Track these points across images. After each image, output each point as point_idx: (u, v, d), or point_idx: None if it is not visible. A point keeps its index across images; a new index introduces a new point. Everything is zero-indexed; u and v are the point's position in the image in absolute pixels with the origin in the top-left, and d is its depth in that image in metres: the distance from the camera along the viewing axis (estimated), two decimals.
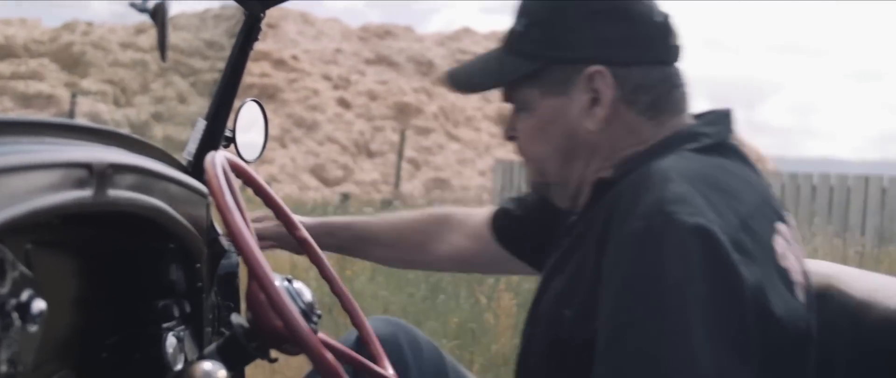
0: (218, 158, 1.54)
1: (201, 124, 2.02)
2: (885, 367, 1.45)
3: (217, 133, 2.03)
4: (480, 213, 2.12)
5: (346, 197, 15.63)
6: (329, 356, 1.41)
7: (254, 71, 21.34)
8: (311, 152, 20.64)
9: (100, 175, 1.35)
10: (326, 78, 23.52)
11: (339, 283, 1.90)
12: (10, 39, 20.68)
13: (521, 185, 16.82)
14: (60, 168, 1.26)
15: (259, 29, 2.04)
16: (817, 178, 12.06)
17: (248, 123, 2.14)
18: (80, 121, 1.47)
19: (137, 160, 1.56)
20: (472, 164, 22.31)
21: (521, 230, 2.01)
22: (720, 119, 1.54)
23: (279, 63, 22.77)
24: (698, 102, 1.62)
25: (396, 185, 18.71)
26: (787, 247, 1.43)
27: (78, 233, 1.59)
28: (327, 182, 19.84)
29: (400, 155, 19.14)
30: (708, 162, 1.43)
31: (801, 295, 1.41)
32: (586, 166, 1.53)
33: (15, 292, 1.31)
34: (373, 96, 23.55)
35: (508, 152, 22.38)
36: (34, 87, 19.09)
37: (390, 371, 1.78)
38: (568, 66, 1.49)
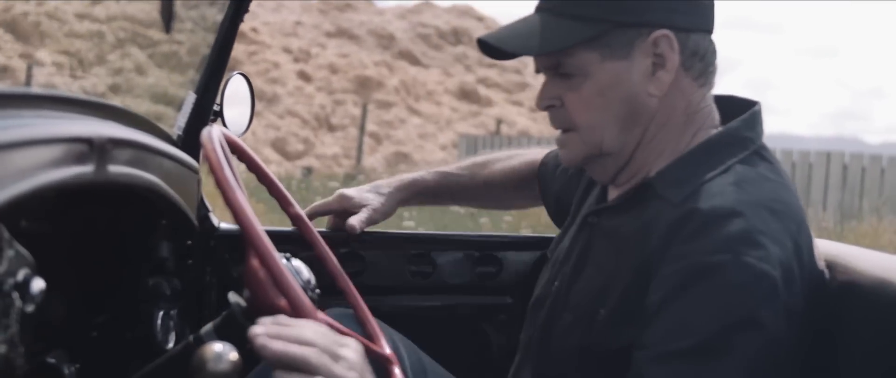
0: (215, 133, 1.49)
1: (191, 98, 1.96)
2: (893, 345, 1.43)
3: (207, 107, 1.98)
4: (534, 156, 2.13)
5: (308, 171, 15.55)
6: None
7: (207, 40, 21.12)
8: (271, 126, 20.50)
9: (100, 150, 1.30)
10: (287, 51, 23.38)
11: (334, 261, 1.86)
12: None
13: None
14: (62, 143, 1.20)
15: (247, 3, 1.98)
16: (780, 154, 12.14)
17: (234, 97, 2.09)
18: (76, 93, 1.42)
19: (134, 135, 1.51)
20: (433, 139, 22.29)
21: (556, 179, 2.00)
22: (755, 120, 1.54)
23: (239, 36, 22.39)
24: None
25: (358, 159, 18.65)
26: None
27: (70, 209, 1.55)
28: (288, 156, 19.73)
29: (361, 129, 19.08)
30: (759, 179, 1.44)
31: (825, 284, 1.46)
32: (643, 132, 1.51)
33: (12, 272, 1.26)
34: (333, 69, 23.44)
35: (469, 127, 22.40)
36: None
37: (387, 350, 1.75)
38: (631, 30, 1.47)
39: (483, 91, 24.47)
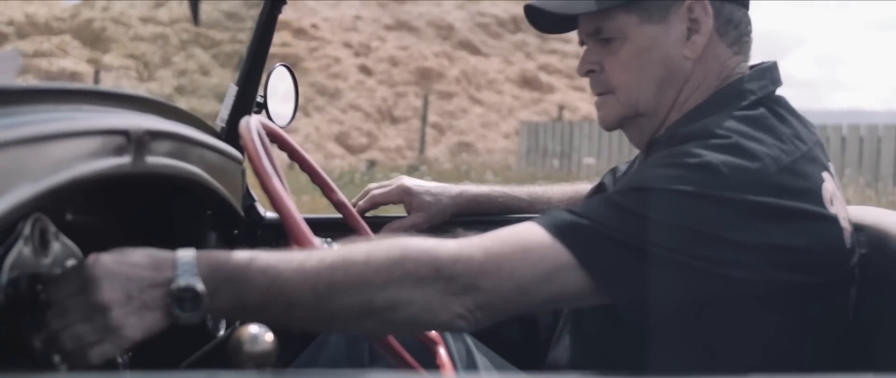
0: (253, 122, 1.53)
1: (232, 90, 2.00)
2: None
3: (248, 98, 2.02)
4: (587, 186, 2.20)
5: (371, 164, 15.64)
6: None
7: (274, 41, 21.22)
8: (334, 120, 20.63)
9: (137, 142, 1.35)
10: (347, 45, 23.48)
11: None
12: (31, 17, 20.72)
13: (547, 146, 16.78)
14: (99, 135, 1.25)
15: None
16: (847, 129, 11.95)
17: (278, 88, 2.13)
18: (115, 88, 1.47)
19: (173, 127, 1.55)
20: (496, 127, 22.26)
21: None
22: (764, 73, 1.59)
23: (299, 32, 22.73)
24: None
25: (421, 150, 18.70)
26: (835, 194, 1.48)
27: (116, 202, 1.59)
28: (352, 149, 19.84)
29: (423, 120, 19.12)
30: (743, 120, 1.48)
31: (847, 240, 1.46)
32: (677, 95, 1.58)
33: (59, 263, 1.31)
34: (394, 62, 23.50)
35: (531, 114, 22.33)
36: (57, 64, 19.13)
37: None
38: None
39: (544, 78, 24.36)
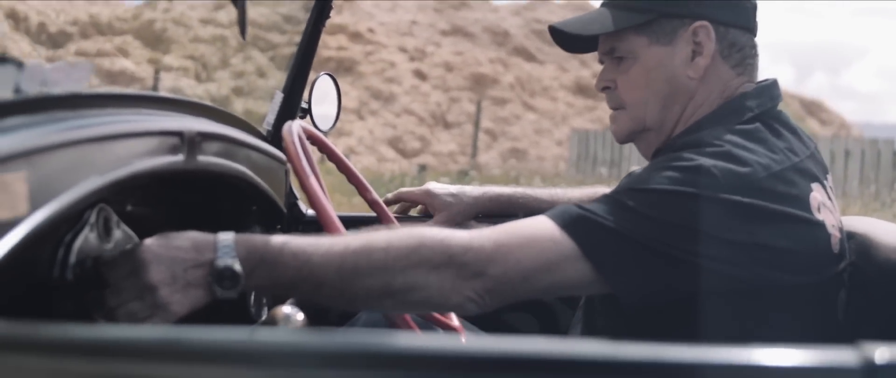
0: (294, 127, 1.70)
1: (279, 97, 2.17)
2: None
3: (294, 104, 2.19)
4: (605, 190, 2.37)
5: (423, 168, 15.80)
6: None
7: (330, 44, 21.56)
8: (388, 124, 20.82)
9: (190, 142, 1.52)
10: (402, 50, 23.66)
11: None
12: (94, 17, 21.09)
13: (597, 153, 16.83)
14: (156, 136, 1.42)
15: (331, 6, 2.18)
16: (882, 143, 11.95)
17: (322, 96, 2.29)
18: (170, 94, 1.64)
19: (222, 129, 1.72)
20: (549, 134, 22.32)
21: None
22: (763, 91, 1.74)
23: (355, 36, 22.95)
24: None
25: (473, 155, 18.82)
26: (823, 202, 1.61)
27: (170, 196, 1.76)
28: (405, 153, 20.01)
29: (476, 125, 19.25)
30: (738, 134, 1.61)
31: (835, 245, 1.60)
32: (682, 111, 1.73)
33: (120, 248, 1.48)
34: (449, 67, 23.63)
35: (585, 122, 22.37)
36: (119, 64, 19.46)
37: (456, 322, 1.94)
38: (675, 20, 1.71)
39: None
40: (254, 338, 0.90)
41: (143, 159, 1.38)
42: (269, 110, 2.17)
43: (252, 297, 2.02)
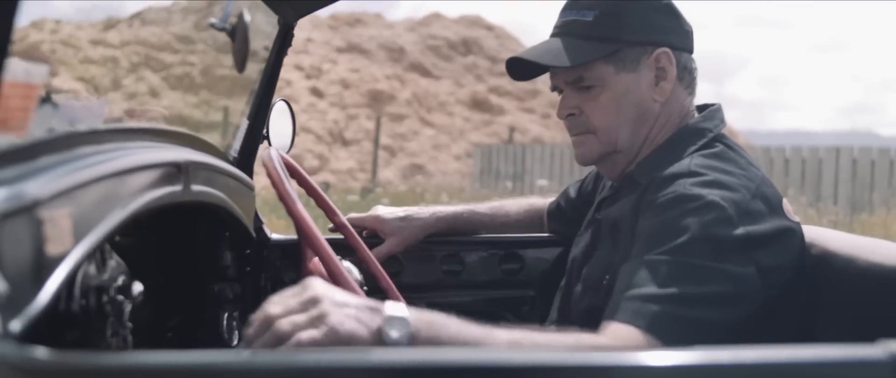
0: (274, 154, 1.75)
1: (244, 123, 2.21)
2: (860, 315, 1.68)
3: (258, 131, 2.23)
4: (540, 201, 2.49)
5: (326, 186, 15.78)
6: None
7: (225, 63, 21.36)
8: None
9: (186, 172, 1.55)
10: (298, 68, 23.59)
11: (375, 263, 2.10)
12: None
13: (500, 168, 17.01)
14: (160, 167, 1.45)
15: (292, 36, 2.22)
16: (790, 150, 12.37)
17: (278, 120, 2.33)
18: (156, 124, 1.66)
19: (205, 158, 1.75)
20: (447, 149, 22.46)
21: (565, 217, 2.34)
22: (714, 115, 1.89)
23: (250, 55, 22.74)
24: None
25: (374, 172, 18.84)
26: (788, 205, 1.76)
27: (151, 225, 1.78)
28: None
29: (376, 142, 19.28)
30: (712, 158, 1.74)
31: (804, 247, 1.74)
32: (648, 133, 1.85)
33: (114, 278, 1.50)
34: (345, 85, 23.64)
35: (482, 136, 22.57)
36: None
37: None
38: (639, 48, 1.82)
39: (495, 100, 24.63)
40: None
41: (152, 190, 1.41)
42: (234, 137, 2.20)
43: (224, 324, 2.05)
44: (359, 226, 2.32)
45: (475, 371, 0.94)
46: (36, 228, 1.02)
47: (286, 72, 22.47)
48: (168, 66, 20.09)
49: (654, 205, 1.68)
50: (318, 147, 21.12)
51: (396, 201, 10.68)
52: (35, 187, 1.03)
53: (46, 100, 1.18)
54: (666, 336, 1.50)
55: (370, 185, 16.12)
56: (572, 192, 2.33)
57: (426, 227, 2.34)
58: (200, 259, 2.03)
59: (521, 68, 1.90)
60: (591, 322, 1.61)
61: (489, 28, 28.85)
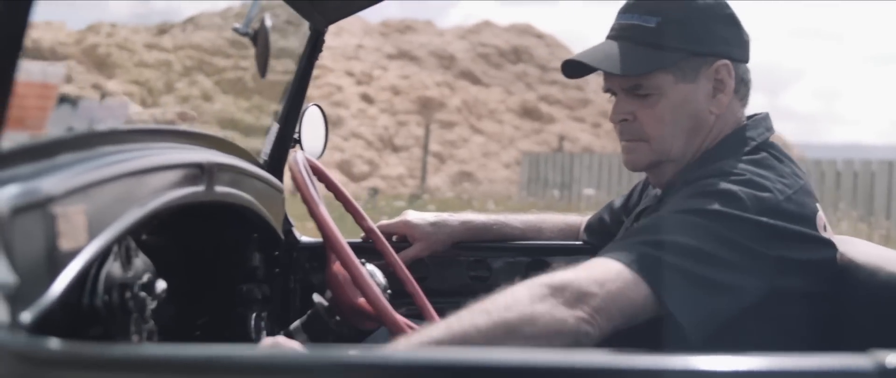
0: (300, 158, 1.77)
1: (275, 127, 2.24)
2: (884, 325, 1.69)
3: (288, 135, 2.26)
4: (577, 219, 2.49)
5: (375, 192, 15.85)
6: (408, 329, 1.64)
7: (277, 68, 21.51)
8: (336, 148, 20.83)
9: (209, 173, 1.58)
10: (349, 74, 23.72)
11: (403, 268, 2.12)
12: (37, 42, 20.91)
13: (548, 176, 16.99)
14: (182, 168, 1.49)
15: (323, 41, 2.25)
16: (841, 164, 12.23)
17: (311, 125, 2.36)
18: (184, 126, 1.71)
19: (232, 160, 1.79)
20: (496, 157, 22.47)
21: (606, 231, 2.31)
22: (760, 123, 1.87)
23: (282, 57, 22.87)
24: None
25: (423, 179, 18.90)
26: (826, 222, 1.76)
27: (180, 225, 1.82)
28: (354, 177, 20.04)
29: (425, 149, 19.33)
30: (748, 164, 1.74)
31: (839, 261, 1.74)
32: (701, 143, 1.84)
33: (139, 275, 1.54)
34: (396, 91, 23.74)
35: (532, 144, 22.54)
36: (62, 88, 19.26)
37: None
38: (699, 58, 1.80)
39: (545, 108, 24.61)
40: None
41: (173, 190, 1.44)
42: (265, 141, 2.24)
43: (252, 323, 2.08)
44: (389, 232, 2.34)
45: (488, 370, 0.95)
46: (48, 224, 1.05)
47: (337, 77, 22.75)
48: (221, 70, 20.31)
49: (679, 194, 1.70)
50: (368, 153, 21.23)
51: (443, 208, 10.70)
52: (49, 184, 1.06)
53: (65, 100, 1.21)
54: (651, 276, 1.53)
55: (418, 192, 16.16)
56: (617, 205, 2.32)
57: (454, 235, 2.35)
58: (229, 260, 2.06)
59: (576, 67, 1.88)
60: (616, 333, 1.62)
61: (540, 36, 28.83)
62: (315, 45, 2.24)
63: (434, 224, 2.34)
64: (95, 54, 20.73)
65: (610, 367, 0.95)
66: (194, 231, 1.90)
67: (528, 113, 24.64)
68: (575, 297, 1.48)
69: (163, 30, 22.33)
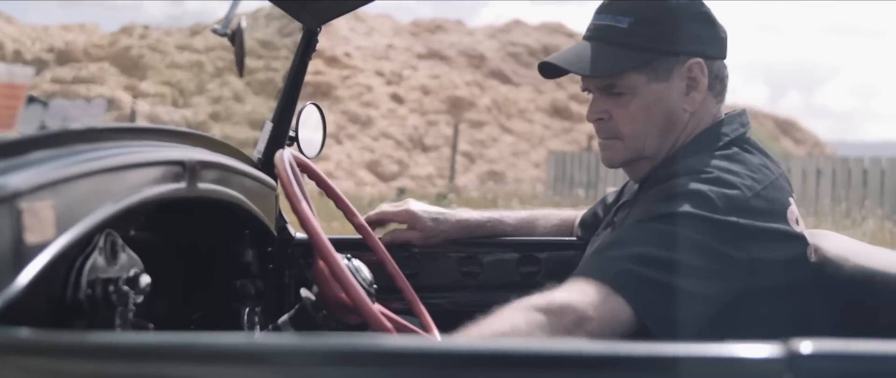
0: (285, 155, 1.82)
1: (268, 126, 2.29)
2: (856, 316, 1.71)
3: (282, 133, 2.30)
4: (572, 214, 2.53)
5: (402, 191, 15.89)
6: (386, 322, 1.67)
7: (309, 70, 21.49)
8: (366, 148, 20.89)
9: (191, 170, 1.64)
10: (379, 74, 23.77)
11: (393, 263, 2.16)
12: (70, 44, 21.12)
13: (573, 175, 16.98)
14: (161, 166, 1.54)
15: (316, 41, 2.30)
16: (868, 161, 12.13)
17: (307, 124, 2.40)
18: (171, 126, 1.76)
19: (218, 158, 1.84)
20: (526, 156, 22.47)
21: (599, 225, 2.33)
22: (734, 119, 1.91)
23: (332, 60, 23.02)
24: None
25: (451, 178, 18.91)
26: (798, 216, 1.80)
27: (170, 222, 1.88)
28: (383, 177, 20.08)
29: (454, 149, 19.35)
30: (720, 159, 1.78)
31: (810, 255, 1.78)
32: (675, 140, 1.88)
33: (124, 270, 1.59)
34: (426, 91, 23.75)
35: (562, 144, 22.52)
36: (95, 90, 19.40)
37: (439, 338, 2.04)
38: (672, 58, 1.84)
39: (575, 107, 24.53)
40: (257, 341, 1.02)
41: (151, 187, 1.49)
42: (259, 139, 2.29)
43: (245, 318, 2.13)
44: (391, 219, 2.38)
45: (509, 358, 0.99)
46: (14, 218, 1.10)
47: (367, 77, 22.78)
48: (252, 71, 20.40)
49: (648, 196, 1.75)
50: (397, 152, 21.27)
51: (468, 206, 10.69)
52: (17, 180, 1.12)
53: (34, 99, 1.27)
54: (629, 294, 1.58)
55: (444, 191, 16.18)
56: (610, 199, 2.35)
57: (451, 233, 2.39)
58: (222, 256, 2.11)
59: (551, 68, 1.93)
60: None
61: (570, 35, 28.73)
62: (308, 45, 2.28)
63: (436, 218, 2.37)
64: (128, 57, 20.89)
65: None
66: (186, 228, 1.95)
67: (559, 112, 24.60)
68: (573, 322, 1.56)
69: (195, 31, 22.47)
